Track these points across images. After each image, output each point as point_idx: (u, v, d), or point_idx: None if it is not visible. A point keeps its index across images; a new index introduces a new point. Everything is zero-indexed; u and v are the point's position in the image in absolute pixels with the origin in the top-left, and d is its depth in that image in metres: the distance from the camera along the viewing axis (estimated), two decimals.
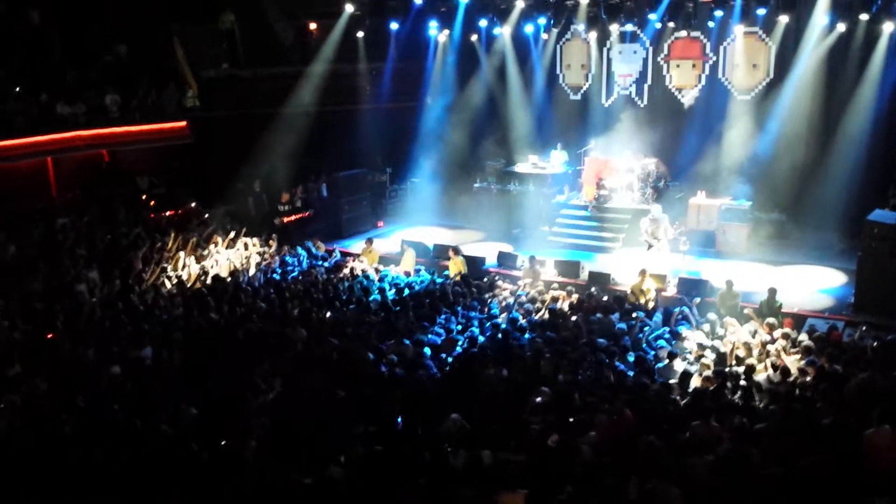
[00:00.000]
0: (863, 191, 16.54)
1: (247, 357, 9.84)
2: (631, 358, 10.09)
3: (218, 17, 21.42)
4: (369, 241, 16.78)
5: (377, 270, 15.16)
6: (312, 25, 22.44)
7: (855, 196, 16.39)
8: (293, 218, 19.00)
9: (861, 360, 9.98)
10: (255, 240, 16.30)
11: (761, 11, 17.71)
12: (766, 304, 12.70)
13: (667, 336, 11.17)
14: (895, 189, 16.74)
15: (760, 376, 9.64)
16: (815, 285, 14.91)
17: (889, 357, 10.11)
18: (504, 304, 12.96)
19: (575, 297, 13.16)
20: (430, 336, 10.85)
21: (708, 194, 17.63)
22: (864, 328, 11.80)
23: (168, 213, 18.76)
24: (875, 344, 10.53)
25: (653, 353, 10.50)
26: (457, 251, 15.94)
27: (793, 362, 9.92)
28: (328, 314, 11.98)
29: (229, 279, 13.99)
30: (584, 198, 19.05)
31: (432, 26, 21.04)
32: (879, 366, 9.70)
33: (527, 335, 10.98)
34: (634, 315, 11.84)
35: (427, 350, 10.33)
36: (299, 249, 16.36)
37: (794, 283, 14.68)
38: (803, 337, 10.97)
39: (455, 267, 15.50)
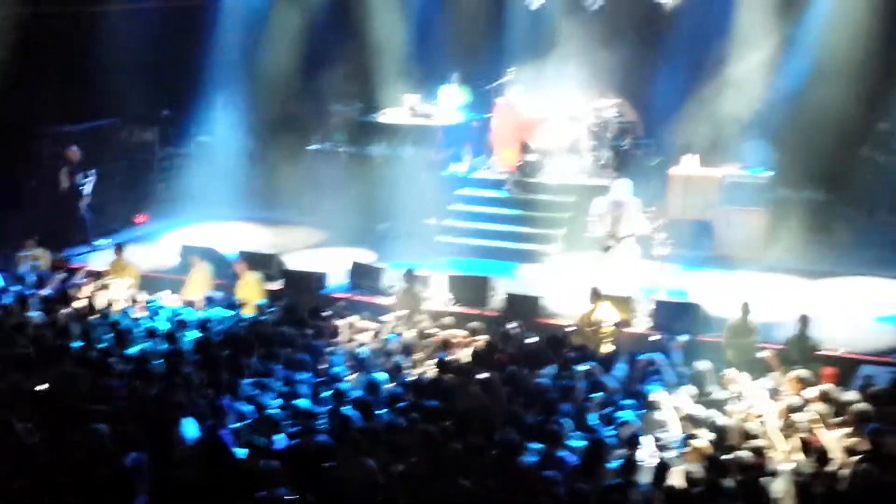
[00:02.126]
0: None
1: None
2: (575, 444, 9.42)
3: None
4: (119, 247, 15.18)
5: (134, 301, 13.77)
6: None
7: None
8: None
9: None
10: None
11: None
12: (794, 343, 12.48)
13: (634, 403, 10.51)
14: None
15: (783, 466, 9.26)
16: (875, 309, 14.41)
17: None
18: (358, 355, 12.11)
19: (482, 339, 12.77)
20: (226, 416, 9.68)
21: (703, 160, 16.84)
22: None
23: None
24: None
25: (611, 432, 10.01)
26: (252, 265, 14.89)
27: (834, 439, 9.48)
28: (45, 386, 10.59)
29: None
30: (497, 167, 18.25)
31: None
32: None
33: (399, 405, 10.26)
34: (583, 368, 11.34)
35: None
36: None
37: (840, 307, 14.16)
38: (852, 395, 10.85)
39: (250, 292, 14.23)
